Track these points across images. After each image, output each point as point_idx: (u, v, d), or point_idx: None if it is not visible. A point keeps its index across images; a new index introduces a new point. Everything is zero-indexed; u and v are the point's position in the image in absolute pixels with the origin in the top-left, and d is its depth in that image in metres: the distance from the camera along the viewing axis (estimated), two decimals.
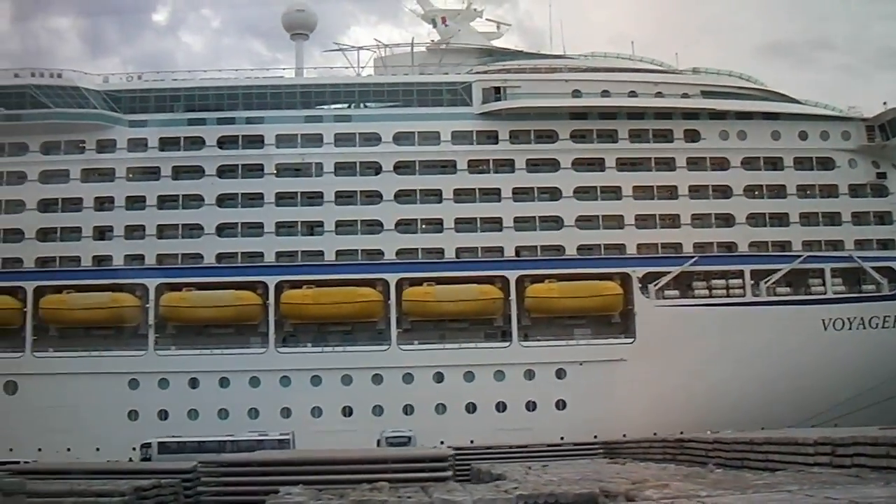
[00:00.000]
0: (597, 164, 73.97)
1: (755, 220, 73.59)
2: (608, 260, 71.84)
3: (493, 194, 73.00)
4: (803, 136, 74.88)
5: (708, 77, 77.59)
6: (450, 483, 29.70)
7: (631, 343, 69.99)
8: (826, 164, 74.92)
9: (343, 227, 72.05)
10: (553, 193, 73.22)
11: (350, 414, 67.73)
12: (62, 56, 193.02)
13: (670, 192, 73.76)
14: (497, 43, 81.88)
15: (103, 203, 72.67)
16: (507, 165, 73.86)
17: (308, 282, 70.56)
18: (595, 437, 59.64)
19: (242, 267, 71.62)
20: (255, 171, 73.41)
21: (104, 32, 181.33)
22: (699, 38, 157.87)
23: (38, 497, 26.35)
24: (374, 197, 72.73)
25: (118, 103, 74.16)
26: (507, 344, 70.52)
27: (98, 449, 61.58)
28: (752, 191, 74.29)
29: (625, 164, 74.22)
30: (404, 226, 72.19)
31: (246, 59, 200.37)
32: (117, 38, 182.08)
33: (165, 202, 72.79)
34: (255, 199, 72.82)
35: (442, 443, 55.86)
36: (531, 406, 68.54)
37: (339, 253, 71.61)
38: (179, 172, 73.42)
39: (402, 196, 72.57)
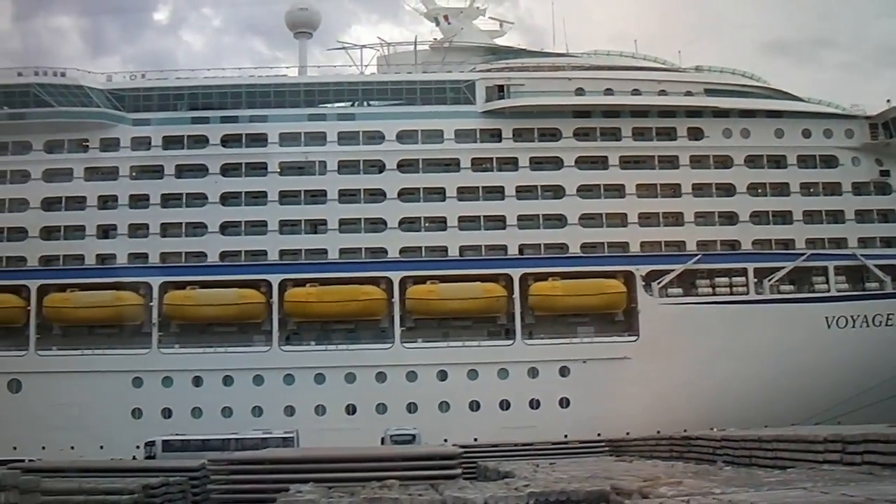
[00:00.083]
0: (600, 163, 73.92)
1: (759, 217, 73.54)
2: (612, 258, 71.89)
3: (496, 192, 72.96)
4: (807, 134, 74.83)
5: (711, 75, 77.50)
6: (459, 481, 29.69)
7: (634, 341, 69.95)
8: (829, 162, 74.86)
9: (347, 225, 72.00)
10: (556, 191, 73.20)
11: (354, 412, 67.74)
12: (63, 55, 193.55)
13: (674, 190, 73.79)
14: (499, 41, 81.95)
15: (107, 201, 72.72)
16: (510, 163, 73.83)
17: (312, 280, 70.49)
18: (599, 434, 59.89)
19: (246, 265, 71.62)
20: (259, 169, 73.38)
21: (105, 31, 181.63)
22: (700, 36, 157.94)
23: (48, 495, 26.36)
24: (377, 195, 72.73)
25: (122, 102, 74.11)
26: (510, 342, 70.49)
27: (102, 447, 61.51)
28: (755, 189, 74.25)
29: (628, 162, 74.17)
30: (408, 224, 72.17)
31: (247, 57, 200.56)
32: (118, 36, 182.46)
33: (169, 200, 72.73)
34: (258, 198, 72.76)
35: (445, 441, 55.86)
36: (535, 404, 68.50)
37: (342, 251, 71.46)
38: (183, 171, 73.26)
39: (406, 194, 72.56)
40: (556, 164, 73.65)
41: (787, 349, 67.23)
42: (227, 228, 72.24)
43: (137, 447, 59.89)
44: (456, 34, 79.90)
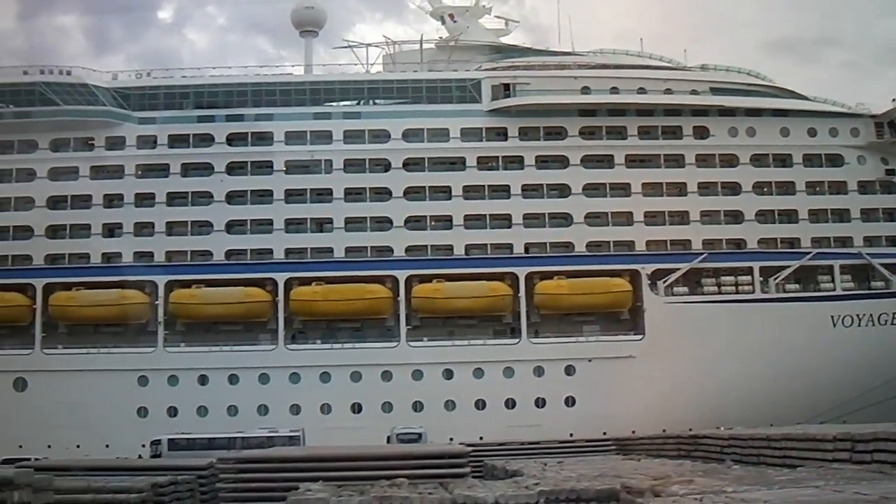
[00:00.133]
0: (606, 161, 73.89)
1: (764, 216, 73.52)
2: (617, 256, 71.97)
3: (502, 191, 72.97)
4: (812, 132, 74.80)
5: (717, 74, 77.50)
6: (468, 479, 29.64)
7: (640, 340, 70.05)
8: (835, 160, 74.83)
9: (352, 223, 72.14)
10: (562, 190, 73.26)
11: (359, 411, 67.81)
12: (67, 53, 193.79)
13: (679, 189, 73.74)
14: (505, 40, 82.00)
15: (112, 200, 72.91)
16: (516, 162, 73.85)
17: (317, 278, 70.55)
18: (604, 433, 59.67)
19: (252, 264, 71.71)
20: (265, 167, 73.52)
21: (109, 30, 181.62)
22: (704, 34, 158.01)
23: (56, 493, 26.33)
24: (383, 194, 72.77)
25: (127, 100, 74.25)
26: (516, 341, 70.49)
27: (107, 446, 61.38)
28: (761, 187, 74.30)
29: (634, 161, 74.14)
30: (413, 222, 72.25)
31: (251, 56, 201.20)
32: (122, 35, 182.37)
33: (174, 199, 72.77)
34: (264, 196, 72.83)
35: (451, 439, 55.86)
36: (540, 403, 68.51)
37: (348, 250, 71.56)
38: (188, 169, 73.43)
39: (412, 193, 72.60)
40: (562, 162, 73.66)
41: (792, 348, 67.15)
42: (232, 227, 72.34)
43: (143, 446, 59.81)
44: (461, 33, 79.91)
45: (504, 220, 72.45)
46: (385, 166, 73.44)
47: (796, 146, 74.43)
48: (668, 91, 75.27)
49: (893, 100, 74.66)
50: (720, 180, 74.08)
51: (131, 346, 70.00)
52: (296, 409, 66.81)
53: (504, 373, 68.96)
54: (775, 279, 71.49)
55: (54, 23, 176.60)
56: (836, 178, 74.56)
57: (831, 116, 75.47)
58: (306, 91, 75.52)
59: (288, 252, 71.79)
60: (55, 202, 72.79)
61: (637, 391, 65.80)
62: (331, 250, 71.57)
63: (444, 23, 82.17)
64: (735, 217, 73.41)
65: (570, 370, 69.00)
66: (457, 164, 73.72)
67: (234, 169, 73.33)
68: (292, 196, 72.75)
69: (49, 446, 61.11)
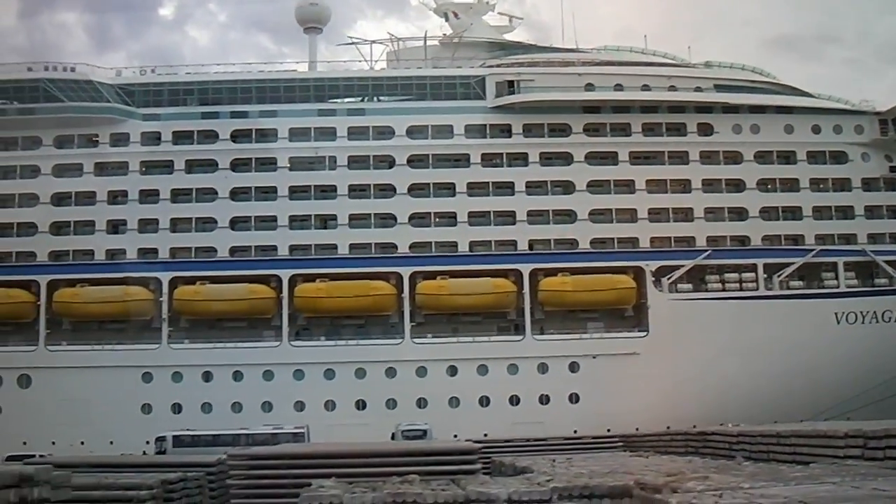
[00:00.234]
0: (610, 158, 73.88)
1: (768, 213, 73.60)
2: (621, 253, 71.99)
3: (506, 188, 73.08)
4: (816, 129, 74.78)
5: (721, 71, 77.51)
6: (479, 476, 29.65)
7: (644, 336, 69.97)
8: (839, 157, 74.85)
9: (356, 220, 72.08)
10: (566, 187, 73.31)
11: (364, 407, 67.82)
12: (69, 51, 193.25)
13: (683, 186, 73.81)
14: (507, 37, 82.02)
15: (116, 197, 72.93)
16: (520, 159, 73.84)
17: (321, 275, 70.61)
18: (608, 430, 59.59)
19: (256, 260, 71.60)
20: (269, 164, 73.55)
21: (110, 27, 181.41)
22: (705, 32, 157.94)
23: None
24: (387, 190, 72.78)
25: (131, 97, 74.30)
26: (520, 337, 70.57)
27: (111, 442, 61.53)
28: (765, 184, 74.33)
29: (638, 158, 74.19)
30: (418, 219, 72.23)
31: (253, 53, 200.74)
32: (124, 32, 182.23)
33: (179, 196, 72.82)
34: (268, 193, 72.86)
35: (455, 436, 55.96)
36: (544, 399, 68.57)
37: (352, 246, 71.54)
38: (193, 166, 73.43)
39: (416, 189, 72.59)
40: (566, 159, 73.64)
41: (796, 345, 67.14)
42: (236, 224, 72.44)
43: (147, 442, 59.74)
44: (465, 29, 79.87)
45: (508, 217, 72.48)
46: (389, 163, 73.40)
47: (800, 143, 74.49)
48: (673, 88, 75.26)
49: None
50: (724, 177, 74.08)
51: (135, 343, 70.03)
52: (300, 406, 66.89)
53: (508, 369, 69.03)
54: (779, 276, 71.54)
55: (56, 20, 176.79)
56: (840, 175, 74.57)
57: (835, 113, 75.47)
58: (310, 88, 75.62)
59: (292, 249, 71.71)
60: (59, 199, 72.74)
61: (641, 388, 65.81)
62: (335, 247, 71.56)
63: (447, 19, 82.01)
64: (739, 214, 73.50)
65: (574, 367, 68.97)
66: (461, 160, 73.69)
67: (238, 165, 73.40)
68: (296, 193, 72.67)
69: (53, 443, 61.47)
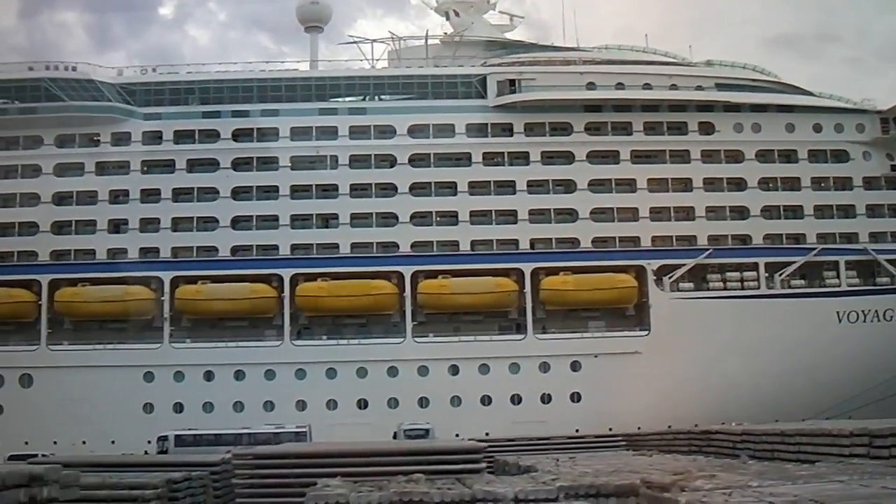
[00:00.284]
0: (611, 157, 73.94)
1: (769, 212, 73.70)
2: (623, 252, 72.09)
3: (507, 187, 73.14)
4: (817, 128, 74.83)
5: (722, 69, 77.55)
6: (484, 475, 29.63)
7: (645, 335, 69.99)
8: (840, 156, 74.90)
9: (358, 219, 72.11)
10: (568, 186, 73.34)
11: (365, 407, 67.82)
12: (69, 50, 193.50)
13: (685, 185, 73.82)
14: (508, 35, 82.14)
15: (118, 196, 72.89)
16: (521, 158, 73.89)
17: (323, 274, 70.67)
18: (610, 429, 59.58)
19: (257, 260, 71.69)
20: (270, 163, 73.59)
21: (110, 26, 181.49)
22: (705, 30, 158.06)
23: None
24: (388, 189, 72.83)
25: (133, 96, 74.27)
26: (521, 336, 70.61)
27: (113, 442, 61.73)
28: (766, 183, 74.37)
29: (639, 157, 74.22)
30: (419, 218, 72.28)
31: (253, 52, 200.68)
32: (123, 31, 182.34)
33: (180, 195, 72.78)
34: (269, 192, 72.85)
35: (457, 435, 56.08)
36: (546, 399, 68.59)
37: (354, 245, 71.55)
38: (194, 165, 73.44)
39: (417, 188, 72.63)
40: (568, 158, 73.70)
41: (797, 344, 67.19)
42: (238, 223, 72.47)
43: (149, 442, 59.82)
44: (466, 28, 79.87)
45: (510, 216, 72.54)
46: (391, 162, 73.36)
47: (801, 142, 74.54)
48: (674, 87, 75.33)
49: None
50: (725, 176, 74.11)
51: (137, 343, 70.07)
52: (302, 405, 66.91)
53: (510, 369, 69.02)
54: (780, 275, 71.58)
55: (55, 19, 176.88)
56: (841, 174, 74.65)
57: (836, 112, 75.50)
58: (311, 87, 75.67)
59: (293, 248, 71.74)
60: (61, 198, 72.72)
61: (643, 387, 65.90)
62: (336, 246, 71.60)
63: (448, 18, 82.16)
64: (740, 213, 73.57)
65: (575, 366, 68.99)
66: (462, 159, 73.74)
67: (239, 165, 73.41)
68: (298, 192, 72.68)
69: (55, 442, 61.63)
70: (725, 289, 71.56)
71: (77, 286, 70.44)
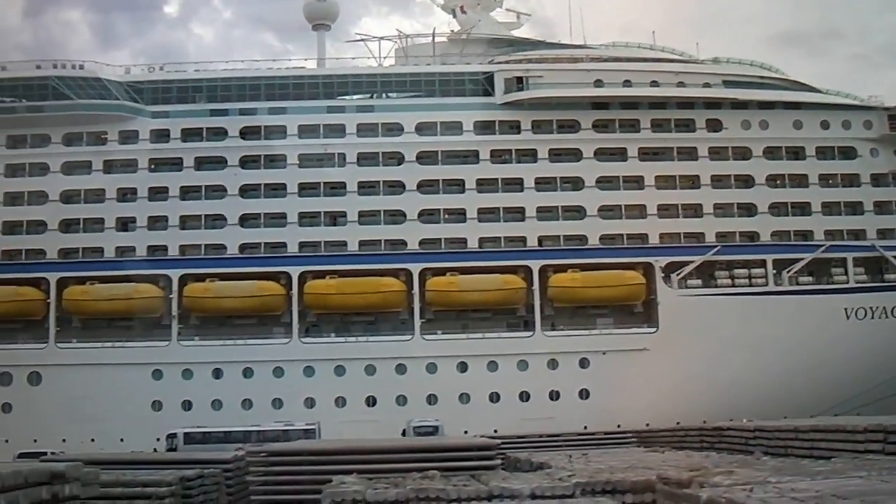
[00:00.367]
0: (619, 154, 73.96)
1: (777, 209, 73.61)
2: (631, 249, 72.02)
3: (515, 184, 73.04)
4: (825, 125, 74.77)
5: (729, 66, 77.54)
6: (499, 471, 29.66)
7: (654, 332, 70.02)
8: (848, 153, 74.85)
9: (366, 217, 72.11)
10: (575, 183, 73.27)
11: (374, 404, 67.82)
12: (73, 48, 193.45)
13: (692, 182, 73.66)
14: (515, 33, 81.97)
15: (126, 194, 72.85)
16: (529, 155, 73.89)
17: (331, 272, 70.63)
18: (618, 426, 59.69)
19: (265, 257, 71.71)
20: (278, 161, 73.61)
21: (115, 25, 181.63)
22: (708, 28, 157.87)
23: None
24: (396, 187, 72.76)
25: (140, 94, 74.29)
26: (530, 333, 70.58)
27: (122, 440, 61.64)
28: (774, 180, 74.26)
29: (647, 154, 74.18)
30: (427, 216, 72.23)
31: (258, 50, 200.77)
32: (128, 30, 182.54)
33: (188, 193, 72.79)
34: (277, 190, 72.89)
35: (465, 432, 56.11)
36: (554, 395, 68.62)
37: (362, 243, 71.63)
38: (202, 163, 73.48)
39: (425, 186, 72.57)
40: (575, 155, 73.67)
41: (805, 340, 67.22)
42: (246, 220, 72.41)
43: (157, 439, 59.66)
44: (473, 26, 79.75)
45: (517, 214, 72.54)
46: (398, 159, 73.31)
47: (809, 139, 74.48)
48: (681, 84, 75.27)
49: None
50: (733, 173, 74.07)
51: (145, 340, 69.91)
52: (310, 403, 66.75)
53: (518, 366, 68.98)
54: (788, 272, 71.53)
55: (60, 18, 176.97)
56: (849, 171, 74.62)
57: (844, 109, 75.41)
58: (319, 85, 75.52)
59: (302, 245, 71.78)
60: (68, 196, 72.69)
61: (651, 384, 66.00)
62: (344, 244, 71.66)
63: (454, 16, 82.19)
64: (748, 210, 73.53)
65: (583, 363, 69.01)
66: (470, 157, 73.72)
67: (247, 162, 73.40)
68: (306, 189, 72.69)
69: (64, 440, 61.51)
70: (733, 286, 71.50)
71: (85, 284, 70.40)
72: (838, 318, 69.71)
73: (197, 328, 71.44)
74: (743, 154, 74.29)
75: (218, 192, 72.64)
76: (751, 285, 71.55)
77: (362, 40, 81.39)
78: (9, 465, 19.62)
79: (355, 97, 77.02)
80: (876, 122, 75.06)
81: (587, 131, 73.99)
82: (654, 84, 75.17)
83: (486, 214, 72.32)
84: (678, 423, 54.82)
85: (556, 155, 73.79)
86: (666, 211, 72.91)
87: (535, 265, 70.73)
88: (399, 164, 73.15)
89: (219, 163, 73.19)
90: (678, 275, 70.97)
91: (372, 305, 70.78)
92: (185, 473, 31.06)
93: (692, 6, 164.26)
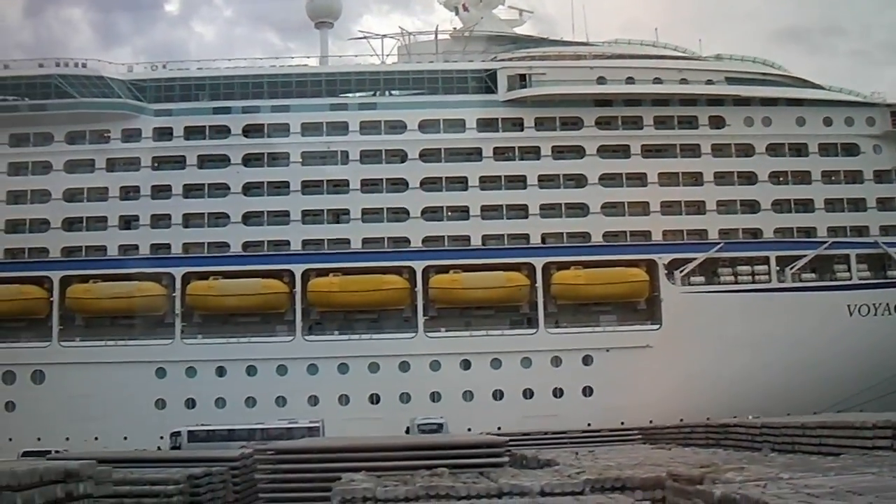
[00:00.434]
0: (622, 151, 73.92)
1: (780, 206, 73.46)
2: (634, 246, 72.09)
3: (518, 181, 72.95)
4: (828, 122, 74.67)
5: (732, 63, 77.39)
6: (507, 469, 29.65)
7: (657, 329, 70.01)
8: (851, 149, 74.71)
9: (369, 214, 72.02)
10: (578, 180, 73.19)
11: (377, 401, 67.83)
12: (74, 47, 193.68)
13: (695, 179, 73.73)
14: (517, 30, 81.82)
15: (129, 192, 72.73)
16: (532, 152, 73.80)
17: (334, 270, 70.53)
18: (622, 423, 60.17)
19: (269, 255, 71.63)
20: (281, 159, 73.45)
21: (116, 23, 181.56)
22: (710, 24, 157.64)
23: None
24: (399, 184, 72.67)
25: (143, 92, 74.14)
26: (533, 331, 70.54)
27: (125, 438, 61.72)
28: (777, 177, 74.17)
29: (650, 151, 74.14)
30: (430, 213, 72.22)
31: (259, 48, 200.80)
32: (129, 28, 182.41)
33: (191, 191, 72.71)
34: (280, 188, 72.82)
35: (469, 430, 56.12)
36: (558, 393, 68.61)
37: (365, 241, 71.51)
38: (205, 161, 73.23)
39: (428, 183, 72.50)
40: (578, 152, 73.59)
41: (808, 337, 67.10)
42: (249, 218, 72.29)
43: (161, 438, 59.95)
44: (476, 23, 79.61)
45: (521, 211, 72.53)
46: (401, 157, 73.23)
47: (812, 135, 74.33)
48: (684, 81, 75.12)
49: None
50: (736, 170, 74.01)
51: (148, 339, 69.91)
52: (314, 401, 66.71)
53: (521, 363, 68.95)
54: (791, 268, 71.48)
55: (61, 16, 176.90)
56: (851, 168, 74.53)
57: (847, 105, 75.30)
58: (322, 82, 75.42)
59: (305, 243, 71.68)
60: (71, 195, 72.56)
61: (654, 381, 65.97)
62: (348, 241, 71.54)
63: (457, 13, 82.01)
64: (751, 206, 73.42)
65: (587, 360, 69.03)
66: (473, 154, 73.77)
67: (250, 160, 73.24)
68: (309, 187, 72.56)
69: (67, 439, 61.45)
70: (736, 282, 71.46)
71: (88, 282, 70.33)
72: (841, 314, 69.67)
73: (200, 326, 71.31)
74: (746, 151, 74.23)
75: (221, 190, 72.58)
76: (754, 282, 71.49)
77: (365, 38, 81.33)
78: (24, 463, 19.65)
79: (358, 95, 76.81)
80: (879, 118, 74.95)
81: (590, 128, 73.88)
82: (657, 81, 75.02)
83: (490, 212, 72.30)
84: (681, 420, 54.89)
85: (559, 152, 73.68)
86: (669, 208, 72.79)
87: (539, 262, 70.66)
88: (402, 162, 73.08)
89: (222, 161, 73.06)
90: (681, 272, 70.94)
91: (375, 303, 70.73)
92: (193, 472, 31.07)
93: (692, 3, 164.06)
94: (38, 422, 64.84)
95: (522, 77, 74.50)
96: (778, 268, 71.60)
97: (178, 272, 70.65)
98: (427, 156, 73.03)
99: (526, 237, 72.18)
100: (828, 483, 17.54)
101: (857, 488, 16.52)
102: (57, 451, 48.99)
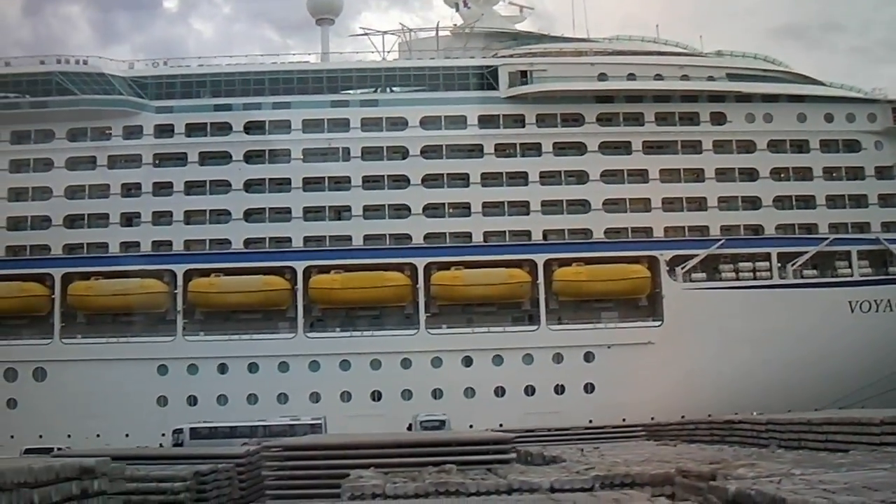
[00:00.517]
0: (623, 148, 73.94)
1: (782, 202, 73.60)
2: (635, 243, 72.20)
3: (520, 178, 73.04)
4: (829, 118, 74.70)
5: (733, 60, 77.40)
6: (514, 465, 29.66)
7: (658, 326, 70.09)
8: (852, 146, 74.80)
9: (370, 211, 72.10)
10: (580, 177, 73.27)
11: (379, 398, 67.91)
12: (73, 44, 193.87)
13: (697, 175, 73.76)
14: (518, 26, 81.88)
15: (130, 189, 72.83)
16: (533, 149, 73.84)
17: (336, 267, 70.59)
18: (623, 419, 60.13)
19: (270, 252, 71.70)
20: (282, 156, 73.44)
21: (115, 20, 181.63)
22: (709, 20, 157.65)
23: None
24: (401, 181, 72.71)
25: (144, 89, 74.10)
26: (535, 327, 70.59)
27: (127, 435, 61.79)
28: (778, 173, 74.30)
29: (651, 147, 74.15)
30: (432, 210, 72.25)
31: (258, 45, 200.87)
32: (128, 25, 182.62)
33: (192, 188, 72.77)
34: (282, 185, 72.79)
35: (471, 426, 56.05)
36: (559, 389, 68.62)
37: (366, 237, 71.51)
38: (206, 158, 73.20)
39: (430, 180, 72.56)
40: (580, 149, 73.59)
41: (809, 334, 67.24)
42: (250, 215, 72.38)
43: (163, 434, 60.09)
44: (476, 20, 79.56)
45: (522, 207, 72.52)
46: (403, 154, 73.28)
47: (813, 132, 74.40)
48: (685, 77, 75.08)
49: None
50: (737, 166, 74.07)
51: (150, 336, 69.97)
52: (316, 397, 66.97)
53: (523, 360, 69.04)
54: (793, 265, 71.59)
55: (60, 13, 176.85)
56: (853, 164, 74.61)
57: (848, 102, 75.35)
58: (323, 79, 75.32)
59: (306, 240, 71.64)
60: (73, 192, 72.58)
61: (656, 377, 66.07)
62: (349, 238, 71.55)
63: (457, 10, 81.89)
64: (752, 203, 73.46)
65: (589, 357, 69.11)
66: (474, 151, 73.78)
67: (251, 157, 73.27)
68: (310, 184, 72.58)
69: (69, 436, 61.54)
70: (738, 279, 71.73)
71: (90, 280, 70.46)
72: (843, 311, 69.74)
73: (202, 323, 71.41)
74: (747, 147, 74.24)
75: (222, 186, 72.59)
76: (755, 278, 71.67)
77: (366, 34, 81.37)
78: (40, 460, 19.66)
79: (359, 91, 76.80)
80: (880, 114, 75.00)
81: (591, 125, 73.93)
82: (658, 77, 75.07)
83: (491, 208, 72.33)
84: (683, 417, 54.93)
85: (561, 148, 73.65)
86: (670, 204, 72.93)
87: (540, 259, 70.74)
88: (403, 159, 73.13)
89: (223, 158, 72.98)
90: (683, 268, 71.04)
91: (377, 300, 70.73)
92: (200, 468, 31.06)
93: (691, 0, 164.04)
94: (39, 419, 64.87)
95: (523, 73, 74.48)
96: (779, 264, 71.73)
97: (179, 269, 70.69)
98: (428, 152, 73.08)
99: (527, 234, 72.20)
100: (841, 479, 17.49)
101: (872, 484, 16.47)
102: (59, 449, 48.98)
